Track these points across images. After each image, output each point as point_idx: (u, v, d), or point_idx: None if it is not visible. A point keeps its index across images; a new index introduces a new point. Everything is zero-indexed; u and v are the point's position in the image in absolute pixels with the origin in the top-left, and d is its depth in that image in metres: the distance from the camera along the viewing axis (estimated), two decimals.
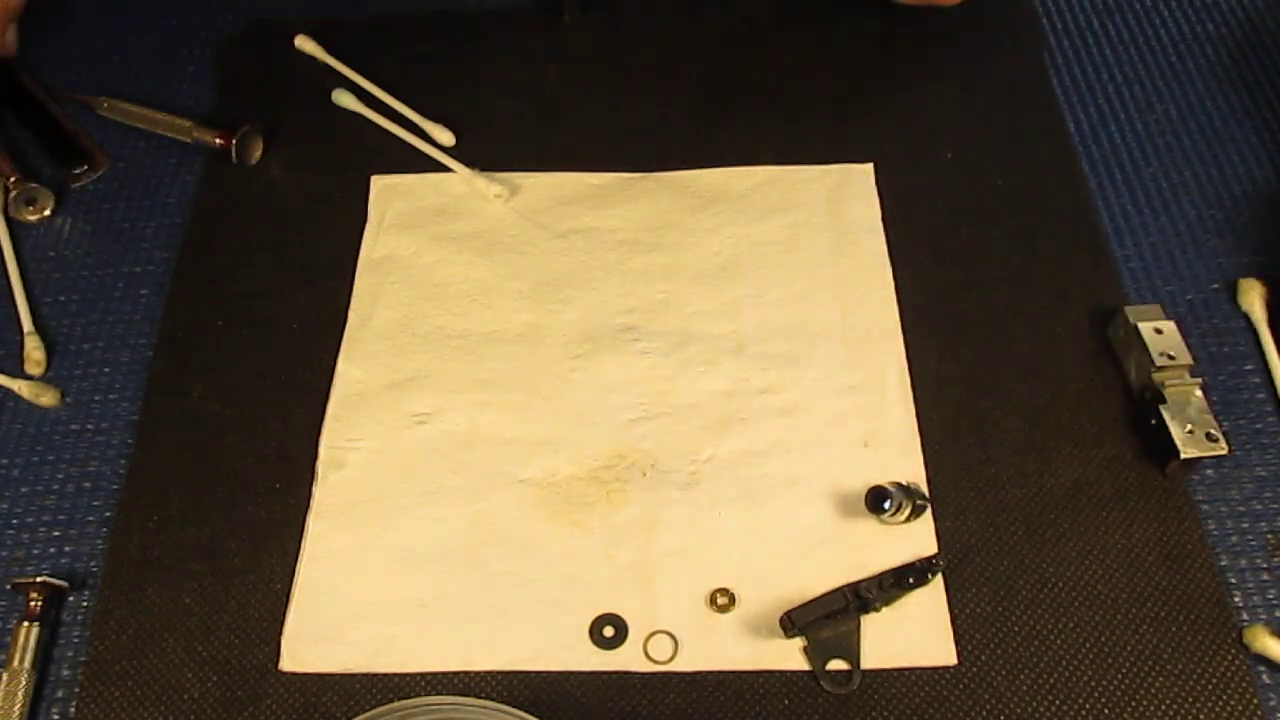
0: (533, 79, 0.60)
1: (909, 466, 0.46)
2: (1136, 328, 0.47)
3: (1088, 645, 0.42)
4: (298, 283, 0.53)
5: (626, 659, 0.41)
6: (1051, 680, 0.41)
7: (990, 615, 0.42)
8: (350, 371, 0.49)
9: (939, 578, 0.43)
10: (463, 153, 0.56)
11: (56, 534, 0.46)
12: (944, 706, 0.40)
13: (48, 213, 0.56)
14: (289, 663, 0.42)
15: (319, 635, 0.42)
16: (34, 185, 0.56)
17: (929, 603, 0.42)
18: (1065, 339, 0.49)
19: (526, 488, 0.46)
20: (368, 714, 0.38)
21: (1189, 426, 0.44)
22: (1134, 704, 0.40)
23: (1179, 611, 0.42)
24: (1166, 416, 0.45)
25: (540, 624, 0.42)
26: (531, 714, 0.37)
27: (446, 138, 0.57)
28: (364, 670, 0.42)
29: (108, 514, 0.46)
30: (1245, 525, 0.45)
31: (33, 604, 0.43)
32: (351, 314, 0.51)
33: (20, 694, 0.41)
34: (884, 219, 0.53)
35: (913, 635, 0.42)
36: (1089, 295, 0.51)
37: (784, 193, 0.54)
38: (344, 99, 0.58)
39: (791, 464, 0.46)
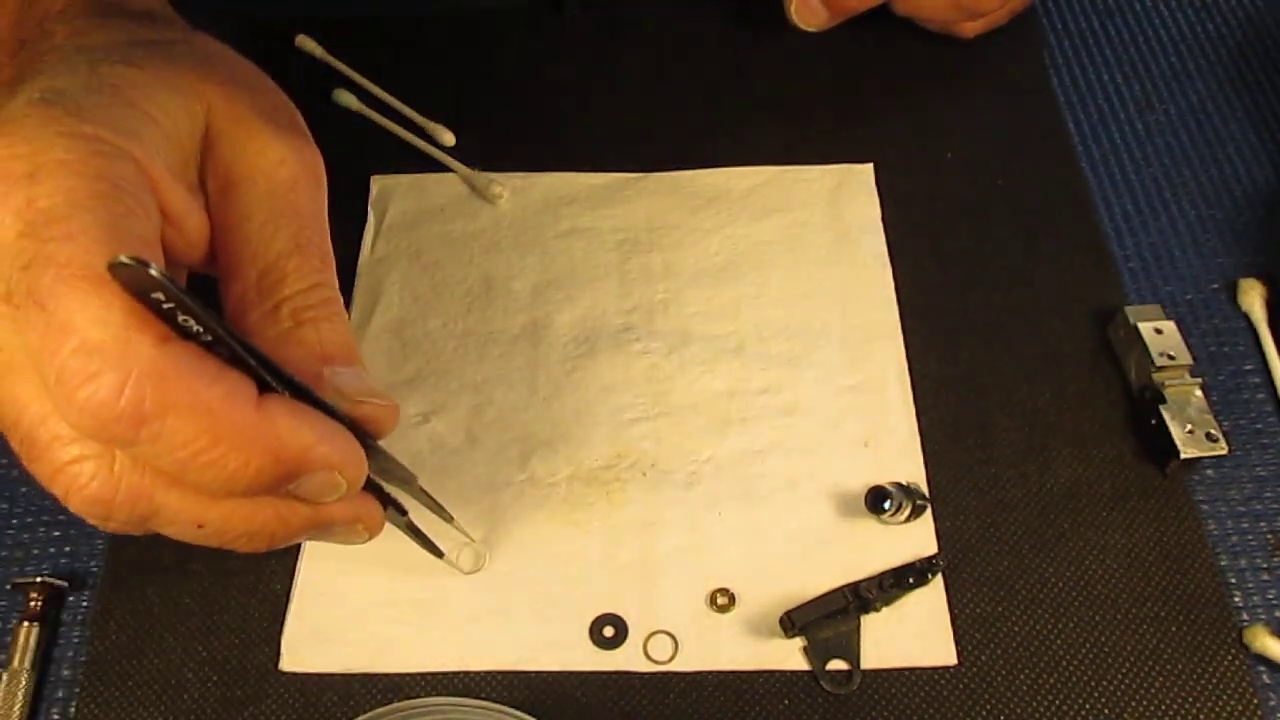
0: (533, 79, 0.60)
1: (909, 466, 0.46)
2: (1136, 328, 0.47)
3: (1088, 645, 0.42)
4: None
5: (626, 659, 0.41)
6: (1051, 680, 0.41)
7: (990, 615, 0.42)
8: None
9: (939, 578, 0.43)
10: (463, 153, 0.56)
11: (56, 534, 0.46)
12: (944, 706, 0.40)
13: None
14: (289, 663, 0.42)
15: (319, 635, 0.42)
16: None
17: (929, 603, 0.42)
18: (1065, 339, 0.49)
19: (526, 488, 0.46)
20: (368, 715, 0.38)
21: (1189, 426, 0.44)
22: (1134, 704, 0.40)
23: (1179, 611, 0.42)
24: (1166, 416, 0.45)
25: (540, 624, 0.42)
26: (531, 714, 0.37)
27: (446, 138, 0.57)
28: (364, 670, 0.42)
29: None
30: (1245, 525, 0.45)
31: (33, 604, 0.43)
32: (351, 314, 0.51)
33: (20, 694, 0.41)
34: (884, 219, 0.53)
35: (913, 635, 0.42)
36: (1089, 295, 0.51)
37: (784, 193, 0.55)
38: (344, 99, 0.58)
39: (791, 464, 0.46)
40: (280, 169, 0.34)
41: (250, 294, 0.33)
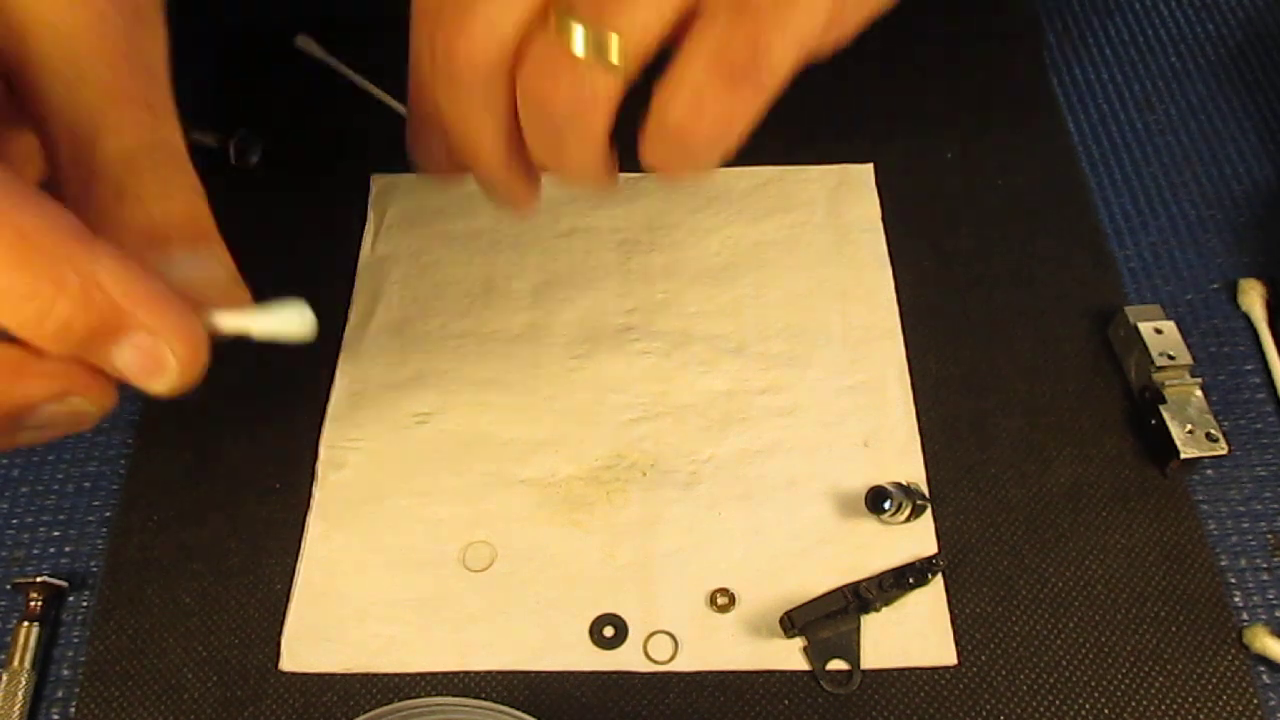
0: None
1: (909, 466, 0.46)
2: (1136, 328, 0.47)
3: (1088, 645, 0.42)
4: (298, 283, 0.52)
5: (626, 659, 0.41)
6: (1051, 680, 0.41)
7: (990, 615, 0.42)
8: (350, 371, 0.49)
9: (939, 578, 0.43)
10: None
11: (56, 534, 0.46)
12: (944, 706, 0.40)
13: None
14: (289, 663, 0.42)
15: (319, 635, 0.42)
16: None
17: (929, 603, 0.42)
18: (1065, 339, 0.49)
19: (526, 488, 0.45)
20: (368, 715, 0.38)
21: (1189, 426, 0.44)
22: (1134, 704, 0.40)
23: (1179, 611, 0.42)
24: (1166, 416, 0.45)
25: (540, 624, 0.42)
26: (531, 714, 0.37)
27: None
28: (364, 670, 0.42)
29: (108, 514, 0.46)
30: (1245, 525, 0.45)
31: (33, 604, 0.43)
32: (351, 314, 0.51)
33: (20, 694, 0.41)
34: (884, 219, 0.53)
35: (912, 635, 0.42)
36: (1089, 295, 0.51)
37: (784, 193, 0.54)
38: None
39: (791, 464, 0.46)
40: (78, 4, 0.27)
41: (64, 166, 0.27)
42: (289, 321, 0.32)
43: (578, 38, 0.28)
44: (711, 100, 0.30)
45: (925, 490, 0.45)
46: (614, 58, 0.29)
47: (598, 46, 0.29)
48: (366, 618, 0.43)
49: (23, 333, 0.25)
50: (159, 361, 0.27)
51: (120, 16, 0.28)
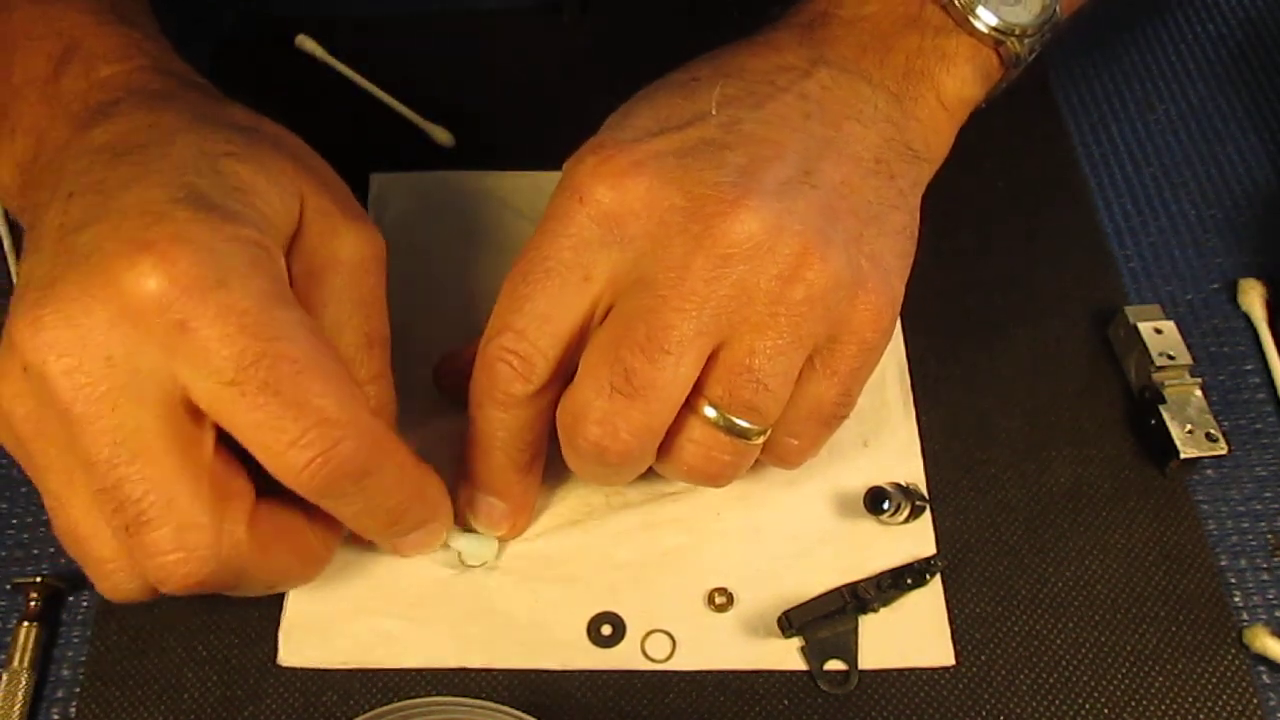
0: (533, 79, 0.60)
1: (909, 466, 0.46)
2: (1136, 328, 0.47)
3: (1087, 645, 0.42)
4: None
5: (624, 658, 0.41)
6: (1051, 680, 0.41)
7: (989, 615, 0.42)
8: None
9: (937, 578, 0.43)
10: (462, 153, 0.56)
11: None
12: (942, 707, 0.40)
13: None
14: (286, 656, 0.42)
15: (317, 628, 0.42)
16: None
17: (927, 603, 0.42)
18: (1065, 339, 0.49)
19: None
20: (368, 714, 0.38)
21: (1189, 426, 0.44)
22: (1134, 704, 0.40)
23: (1179, 611, 0.42)
24: (1166, 416, 0.45)
25: (538, 622, 0.42)
26: (530, 713, 0.37)
27: (445, 138, 0.57)
28: (361, 666, 0.41)
29: None
30: (1245, 525, 0.45)
31: (33, 604, 0.43)
32: None
33: (20, 694, 0.41)
34: None
35: (911, 636, 0.42)
36: (1089, 295, 0.51)
37: None
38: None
39: None
40: (354, 260, 0.38)
41: None
42: (480, 552, 0.43)
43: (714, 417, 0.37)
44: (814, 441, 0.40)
45: (924, 491, 0.45)
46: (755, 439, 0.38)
47: (736, 427, 0.37)
48: (364, 613, 0.43)
49: (387, 530, 0.39)
50: (438, 535, 0.41)
51: (375, 264, 0.40)
